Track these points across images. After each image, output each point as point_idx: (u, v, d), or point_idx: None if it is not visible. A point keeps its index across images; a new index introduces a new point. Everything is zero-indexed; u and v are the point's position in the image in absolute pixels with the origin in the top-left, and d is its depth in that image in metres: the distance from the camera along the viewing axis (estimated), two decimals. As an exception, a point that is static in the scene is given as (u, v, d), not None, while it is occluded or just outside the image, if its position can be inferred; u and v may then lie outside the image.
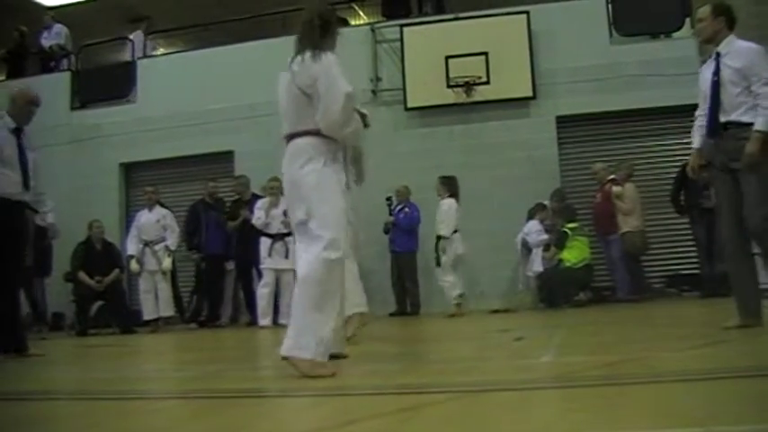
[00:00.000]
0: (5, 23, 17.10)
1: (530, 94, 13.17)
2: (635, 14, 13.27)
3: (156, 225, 12.20)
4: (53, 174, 14.86)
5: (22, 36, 16.95)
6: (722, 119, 5.82)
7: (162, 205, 12.64)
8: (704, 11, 6.04)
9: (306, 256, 4.34)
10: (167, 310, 12.25)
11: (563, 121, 13.21)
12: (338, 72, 4.44)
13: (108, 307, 12.40)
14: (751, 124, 5.64)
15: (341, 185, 4.54)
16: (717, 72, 5.88)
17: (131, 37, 16.06)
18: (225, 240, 12.41)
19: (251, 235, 11.41)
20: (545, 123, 13.17)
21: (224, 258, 12.51)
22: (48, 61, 16.52)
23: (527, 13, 13.27)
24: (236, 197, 12.55)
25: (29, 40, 17.10)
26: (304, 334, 4.18)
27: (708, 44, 6.13)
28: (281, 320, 10.73)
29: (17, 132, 7.24)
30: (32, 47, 17.15)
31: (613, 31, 13.24)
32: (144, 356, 8.00)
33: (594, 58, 12.65)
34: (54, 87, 15.65)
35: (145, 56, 16.07)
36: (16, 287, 7.28)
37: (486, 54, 13.14)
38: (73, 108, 15.69)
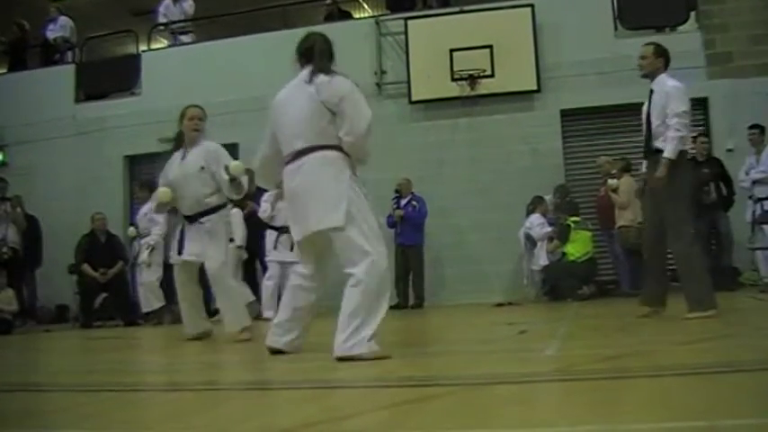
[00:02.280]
0: (11, 15, 17.12)
1: (534, 87, 13.14)
2: (640, 8, 13.25)
3: (144, 218, 12.08)
4: (57, 166, 14.94)
5: (22, 30, 16.96)
6: (651, 145, 6.87)
7: None
8: (647, 50, 7.07)
9: (358, 267, 4.55)
10: (154, 302, 11.74)
11: (567, 115, 13.20)
12: (361, 95, 4.81)
13: (112, 299, 12.43)
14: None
15: (365, 198, 4.81)
16: (649, 105, 6.93)
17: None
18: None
19: (256, 227, 11.40)
20: (549, 117, 13.16)
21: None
22: (52, 54, 16.51)
23: (532, 6, 13.23)
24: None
25: (30, 33, 17.11)
26: (360, 332, 4.49)
27: (645, 78, 7.08)
28: (266, 314, 10.75)
29: None
30: (34, 40, 17.17)
31: (618, 25, 13.22)
32: (147, 349, 8.01)
33: (599, 52, 12.61)
34: (58, 80, 15.71)
35: (149, 49, 16.08)
36: None
37: (490, 47, 13.11)
38: (77, 101, 15.70)
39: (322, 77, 4.79)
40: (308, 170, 4.73)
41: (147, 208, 12.07)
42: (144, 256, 11.76)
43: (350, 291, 4.55)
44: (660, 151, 6.70)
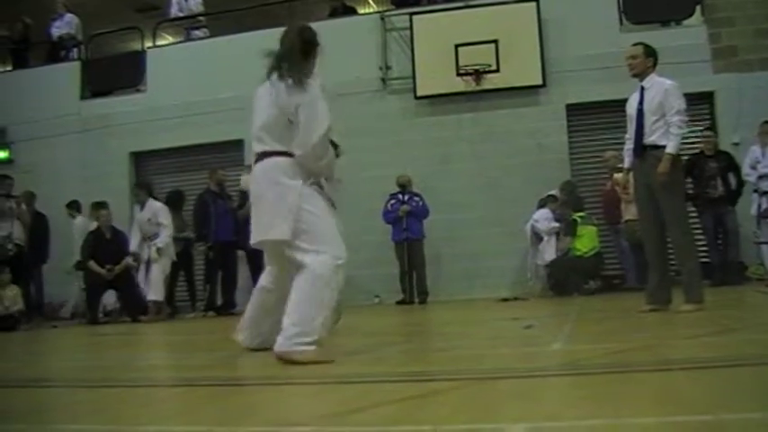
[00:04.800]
0: (17, 12, 17.14)
1: (539, 82, 13.13)
2: (645, 1, 13.23)
3: (148, 223, 12.13)
4: (62, 163, 14.97)
5: (26, 27, 16.99)
6: (644, 141, 7.02)
7: (156, 199, 12.56)
8: (637, 50, 7.23)
9: (314, 260, 4.36)
10: (156, 294, 12.03)
11: (573, 110, 13.19)
12: (322, 105, 4.52)
13: (118, 295, 12.47)
14: (665, 146, 6.85)
15: (326, 202, 4.63)
16: (641, 102, 7.09)
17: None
18: (235, 228, 12.39)
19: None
20: (555, 111, 13.15)
21: (235, 246, 12.49)
22: (58, 51, 16.53)
23: (537, 0, 13.21)
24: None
25: (34, 30, 17.14)
26: (305, 329, 4.27)
27: (635, 78, 7.24)
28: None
29: None
30: (38, 37, 17.19)
31: (624, 19, 13.19)
32: (153, 345, 8.02)
33: (605, 46, 12.56)
34: (64, 77, 15.73)
35: (154, 45, 16.09)
36: None
37: (495, 42, 13.09)
38: (83, 97, 15.70)
39: (284, 82, 4.57)
40: (261, 177, 4.60)
41: (149, 212, 12.09)
42: (153, 254, 11.84)
43: (298, 279, 4.38)
44: (655, 147, 6.93)
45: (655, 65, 7.21)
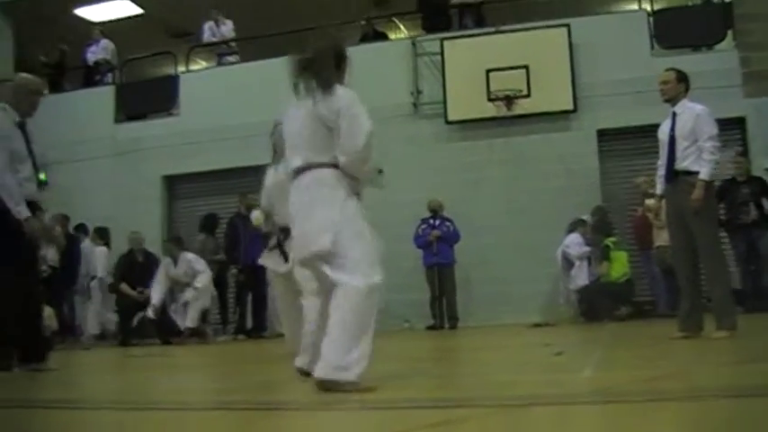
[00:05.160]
0: (55, 38, 17.42)
1: (570, 107, 13.11)
2: (677, 26, 13.19)
3: (184, 275, 12.20)
4: (96, 186, 15.12)
5: (63, 53, 17.30)
6: (676, 167, 7.01)
7: (187, 250, 12.55)
8: (669, 75, 7.23)
9: (356, 281, 4.18)
10: (193, 322, 12.04)
11: (604, 135, 13.14)
12: (361, 109, 4.40)
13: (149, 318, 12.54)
14: (698, 172, 6.84)
15: (364, 219, 4.45)
16: (673, 128, 7.08)
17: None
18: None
19: (292, 246, 11.42)
20: (586, 137, 13.11)
21: (265, 268, 12.51)
22: (93, 75, 16.76)
23: (568, 25, 13.22)
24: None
25: (70, 56, 17.41)
26: (347, 355, 4.10)
27: (667, 103, 7.23)
28: None
29: (22, 126, 6.57)
30: (74, 62, 17.44)
31: (655, 44, 13.16)
32: (183, 367, 8.05)
33: (636, 71, 12.53)
34: (99, 101, 15.94)
35: (187, 70, 16.27)
36: (35, 294, 6.75)
37: (526, 67, 13.10)
38: (117, 121, 15.89)
39: (320, 91, 4.42)
40: (303, 190, 4.43)
41: (184, 265, 12.13)
42: (190, 296, 11.90)
43: (339, 303, 4.18)
44: (687, 173, 6.92)
45: (687, 90, 7.21)
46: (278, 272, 7.13)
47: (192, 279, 12.08)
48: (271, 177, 7.05)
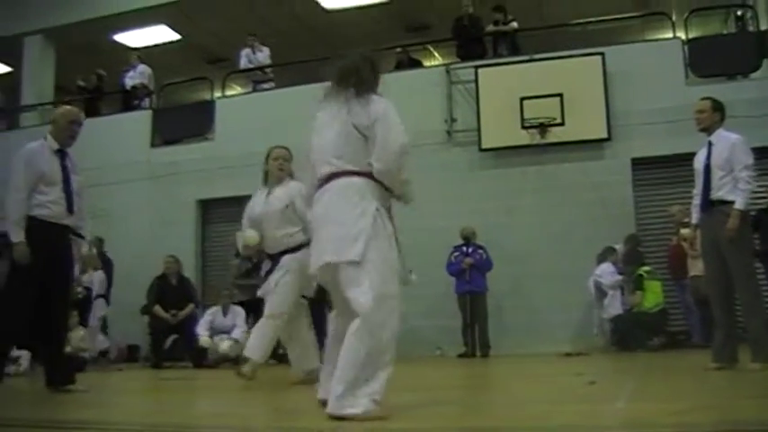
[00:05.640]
0: (94, 63, 17.73)
1: (605, 135, 13.06)
2: (712, 55, 13.12)
3: (224, 326, 12.43)
4: (132, 209, 15.29)
5: (100, 79, 17.61)
6: (711, 197, 7.01)
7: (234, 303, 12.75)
8: (705, 104, 7.23)
9: (373, 311, 4.06)
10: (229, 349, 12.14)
11: (638, 164, 13.08)
12: (397, 118, 4.38)
13: (181, 340, 12.60)
14: (733, 202, 6.83)
15: (391, 234, 4.37)
16: (708, 157, 7.09)
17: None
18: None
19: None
20: (620, 165, 13.05)
21: (323, 296, 12.61)
22: (130, 100, 16.99)
23: (602, 54, 13.22)
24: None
25: (108, 81, 17.71)
26: (356, 388, 4.00)
27: (703, 132, 7.24)
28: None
29: (60, 154, 6.88)
30: (112, 86, 17.72)
31: (689, 72, 13.10)
32: (213, 391, 8.07)
33: (670, 100, 12.48)
34: (135, 125, 16.14)
35: (223, 95, 16.44)
36: (64, 318, 7.08)
37: (560, 95, 13.08)
38: (153, 145, 16.06)
39: (356, 98, 4.41)
40: (332, 197, 4.34)
41: (231, 318, 12.34)
42: (226, 346, 12.00)
43: (350, 338, 4.06)
44: (722, 202, 6.91)
45: (722, 119, 7.22)
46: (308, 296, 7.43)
47: (231, 329, 12.32)
48: (259, 206, 7.33)
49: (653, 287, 11.87)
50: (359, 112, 4.37)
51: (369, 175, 4.34)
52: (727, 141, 7.01)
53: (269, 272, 7.32)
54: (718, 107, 7.23)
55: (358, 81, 4.47)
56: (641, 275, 11.84)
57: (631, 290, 12.00)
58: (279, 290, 7.16)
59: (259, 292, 7.38)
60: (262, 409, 5.52)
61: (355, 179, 4.33)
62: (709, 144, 7.16)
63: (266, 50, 16.38)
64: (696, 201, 7.31)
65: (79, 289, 12.51)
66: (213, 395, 7.38)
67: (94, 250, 13.09)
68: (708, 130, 7.20)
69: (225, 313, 12.50)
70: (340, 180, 4.34)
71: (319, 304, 12.22)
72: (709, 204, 7.06)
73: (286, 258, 7.17)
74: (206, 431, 4.37)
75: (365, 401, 3.96)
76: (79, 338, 11.72)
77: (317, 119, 4.66)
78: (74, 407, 5.68)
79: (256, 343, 7.16)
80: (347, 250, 4.16)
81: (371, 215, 4.25)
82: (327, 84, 4.64)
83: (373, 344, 4.02)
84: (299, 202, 6.99)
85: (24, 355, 10.92)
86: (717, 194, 6.97)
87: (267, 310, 7.19)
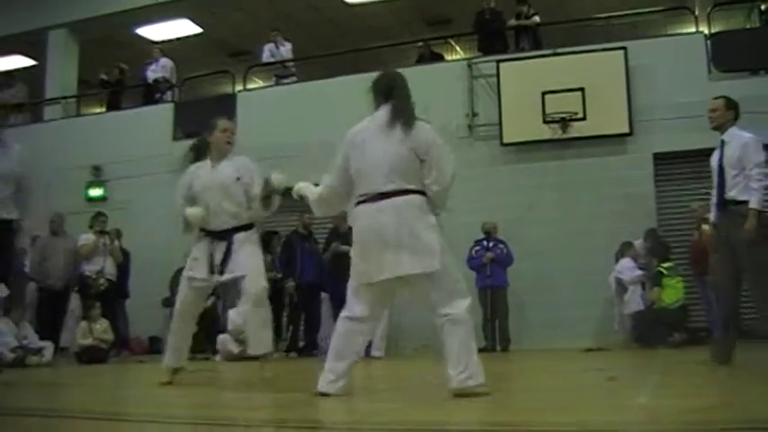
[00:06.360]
0: (116, 57, 17.83)
1: (626, 130, 13.01)
2: (734, 50, 13.04)
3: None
4: (153, 201, 15.36)
5: (122, 72, 17.74)
6: (725, 196, 7.02)
7: None
8: (718, 103, 7.25)
9: (459, 307, 4.78)
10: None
11: (660, 158, 13.02)
12: (445, 145, 4.96)
13: (202, 333, 12.65)
14: (746, 202, 6.82)
15: None
16: (721, 156, 7.10)
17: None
18: (320, 270, 12.60)
19: (345, 267, 11.47)
20: (642, 160, 12.99)
21: (319, 287, 12.70)
22: (152, 93, 17.06)
23: (624, 48, 13.16)
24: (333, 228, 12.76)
25: (129, 74, 17.81)
26: (473, 366, 4.73)
27: (716, 130, 7.24)
28: (374, 352, 10.90)
29: None
30: (133, 80, 17.82)
31: (712, 67, 13.02)
32: (233, 383, 8.12)
33: (693, 95, 12.38)
34: (157, 118, 16.19)
35: (245, 89, 16.47)
36: None
37: (582, 90, 13.02)
38: (175, 138, 16.09)
39: (407, 123, 4.87)
40: (398, 212, 4.78)
41: None
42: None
43: (453, 329, 4.74)
44: (736, 202, 6.91)
45: (736, 118, 7.22)
46: None
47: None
48: (202, 180, 6.80)
49: (673, 283, 11.81)
50: (415, 136, 4.84)
51: (423, 193, 4.87)
52: (738, 140, 7.01)
53: (227, 253, 6.60)
54: (731, 105, 7.23)
55: (409, 119, 4.90)
56: (660, 272, 11.79)
57: (650, 286, 11.96)
58: (253, 266, 6.59)
59: (224, 277, 6.59)
60: (262, 401, 5.53)
61: (417, 197, 4.84)
62: (722, 143, 7.17)
63: (289, 46, 16.40)
64: (713, 199, 7.31)
65: (102, 281, 12.62)
66: (235, 385, 7.43)
67: (117, 243, 13.19)
68: (721, 128, 7.21)
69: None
70: (401, 197, 4.81)
71: (341, 300, 12.33)
72: (723, 204, 7.07)
73: (242, 236, 6.64)
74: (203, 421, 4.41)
75: (481, 376, 4.78)
76: (102, 330, 11.83)
77: (355, 134, 5.09)
78: (94, 398, 5.73)
79: (262, 336, 6.71)
80: (429, 261, 4.73)
81: (437, 228, 4.85)
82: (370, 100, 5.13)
83: (471, 332, 4.83)
84: (248, 177, 6.71)
85: (48, 346, 11.05)
86: (729, 194, 6.98)
87: (251, 290, 6.50)
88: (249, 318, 6.66)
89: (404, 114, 4.90)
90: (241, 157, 6.91)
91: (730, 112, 7.18)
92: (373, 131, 4.96)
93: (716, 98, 7.37)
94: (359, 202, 4.97)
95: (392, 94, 5.00)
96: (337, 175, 5.20)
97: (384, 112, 4.97)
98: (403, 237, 4.74)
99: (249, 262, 6.54)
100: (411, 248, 4.73)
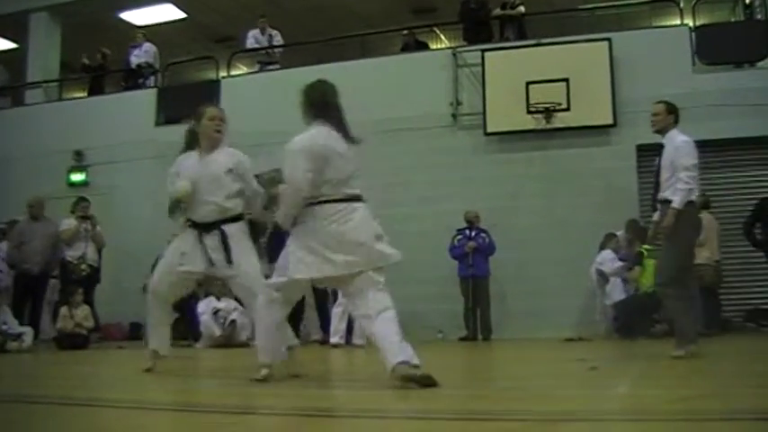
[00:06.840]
0: (98, 41, 17.68)
1: (610, 121, 13.05)
2: (719, 43, 13.09)
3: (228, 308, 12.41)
4: (136, 187, 15.30)
5: (104, 57, 17.59)
6: (658, 196, 7.40)
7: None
8: (659, 107, 7.54)
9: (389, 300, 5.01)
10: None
11: (644, 150, 13.01)
12: None
13: (182, 319, 12.61)
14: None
15: None
16: (660, 158, 7.44)
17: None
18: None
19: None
20: (625, 152, 13.01)
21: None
22: (135, 78, 16.96)
23: (609, 40, 13.17)
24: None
25: (112, 59, 17.68)
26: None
27: (658, 134, 7.56)
28: (355, 340, 10.88)
29: None
30: (116, 64, 17.70)
31: (696, 60, 13.07)
32: (212, 370, 8.11)
33: (677, 87, 12.39)
34: (140, 104, 16.09)
35: (229, 75, 16.40)
36: None
37: (566, 80, 13.04)
38: (157, 124, 16.03)
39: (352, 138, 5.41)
40: (367, 215, 5.22)
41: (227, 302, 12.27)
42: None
43: (388, 317, 4.88)
44: (668, 201, 7.18)
45: (676, 122, 7.51)
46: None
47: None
48: (191, 170, 6.72)
49: (652, 265, 11.83)
50: (358, 152, 5.41)
51: None
52: (673, 143, 7.32)
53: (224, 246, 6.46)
54: (672, 110, 7.53)
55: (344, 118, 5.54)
56: (641, 252, 11.80)
57: (631, 266, 11.96)
58: (253, 264, 6.49)
59: (227, 273, 6.47)
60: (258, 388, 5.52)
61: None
62: (662, 146, 7.45)
63: (276, 33, 16.33)
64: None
65: (83, 266, 12.57)
66: (214, 373, 7.42)
67: (99, 228, 13.10)
68: (662, 131, 7.50)
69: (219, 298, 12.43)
70: (363, 203, 5.27)
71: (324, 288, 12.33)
72: (658, 203, 7.43)
73: (234, 228, 6.50)
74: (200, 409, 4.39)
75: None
76: (83, 316, 11.77)
77: (325, 142, 5.38)
78: (79, 383, 5.70)
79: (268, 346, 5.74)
80: (392, 253, 5.15)
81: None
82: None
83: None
84: (241, 168, 6.59)
85: (28, 332, 10.97)
86: (663, 195, 7.31)
87: (256, 290, 6.14)
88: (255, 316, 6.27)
89: (345, 128, 5.56)
90: (234, 150, 6.76)
91: (671, 116, 7.49)
92: (338, 141, 5.44)
93: (657, 103, 7.66)
94: (329, 201, 5.32)
95: (331, 110, 5.73)
96: (316, 176, 5.46)
97: (339, 127, 5.54)
98: (374, 235, 5.24)
99: (250, 260, 6.51)
100: (383, 245, 5.23)
